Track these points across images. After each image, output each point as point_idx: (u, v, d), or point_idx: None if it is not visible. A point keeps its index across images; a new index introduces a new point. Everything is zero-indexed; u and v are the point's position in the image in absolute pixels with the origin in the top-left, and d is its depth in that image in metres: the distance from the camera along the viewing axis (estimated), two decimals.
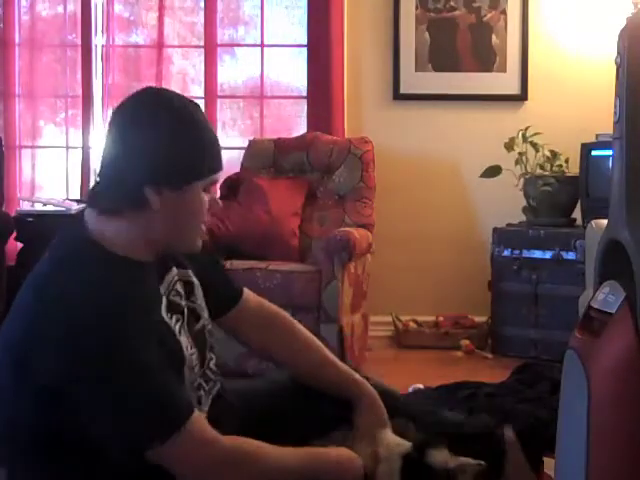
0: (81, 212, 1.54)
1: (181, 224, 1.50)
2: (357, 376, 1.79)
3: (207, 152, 1.49)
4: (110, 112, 4.47)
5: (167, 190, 1.44)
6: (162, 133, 1.44)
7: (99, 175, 1.51)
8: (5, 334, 1.44)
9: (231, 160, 4.31)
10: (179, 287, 1.59)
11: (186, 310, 1.59)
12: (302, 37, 4.63)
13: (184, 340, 1.54)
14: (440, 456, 1.65)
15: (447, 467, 1.63)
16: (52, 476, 1.46)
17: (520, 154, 4.14)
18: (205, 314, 1.66)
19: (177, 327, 1.53)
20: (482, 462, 1.66)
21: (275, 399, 1.77)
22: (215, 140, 1.52)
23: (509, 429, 2.11)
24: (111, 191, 1.47)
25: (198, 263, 1.66)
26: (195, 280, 1.65)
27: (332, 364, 1.78)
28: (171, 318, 1.52)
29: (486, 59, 4.59)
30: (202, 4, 4.66)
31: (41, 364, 1.36)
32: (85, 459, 1.43)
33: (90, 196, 1.53)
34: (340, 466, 1.58)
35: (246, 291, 1.79)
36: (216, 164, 1.52)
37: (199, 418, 1.43)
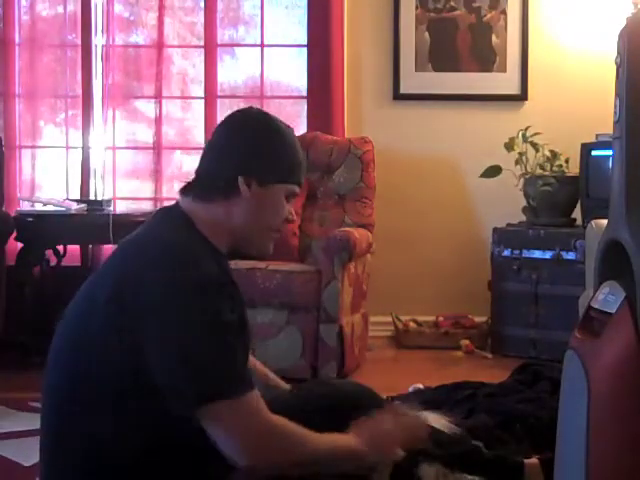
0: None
1: (261, 219, 1.66)
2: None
3: (296, 163, 1.69)
4: (110, 112, 4.56)
5: (255, 184, 1.63)
6: (262, 134, 1.66)
7: (196, 171, 1.68)
8: (100, 279, 1.57)
9: None
10: None
11: None
12: (302, 37, 4.63)
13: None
14: (430, 470, 1.65)
15: None
16: (112, 429, 1.50)
17: (520, 154, 4.14)
18: None
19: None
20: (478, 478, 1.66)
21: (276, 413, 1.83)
22: (303, 160, 1.72)
23: (533, 459, 2.09)
24: (207, 180, 1.65)
25: None
26: None
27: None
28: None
29: (486, 59, 4.59)
30: (202, 4, 4.66)
31: (132, 301, 1.48)
32: (147, 415, 1.49)
33: (185, 186, 1.68)
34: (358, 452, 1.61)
35: None
36: (300, 178, 1.71)
37: (258, 395, 1.50)
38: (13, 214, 4.06)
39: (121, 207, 4.58)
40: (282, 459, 1.51)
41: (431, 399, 2.90)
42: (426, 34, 4.60)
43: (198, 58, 4.72)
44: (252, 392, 1.48)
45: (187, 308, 1.46)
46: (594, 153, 4.01)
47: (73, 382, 1.54)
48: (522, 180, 4.16)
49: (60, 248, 4.28)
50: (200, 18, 4.69)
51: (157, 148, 4.60)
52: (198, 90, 4.69)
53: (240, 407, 1.46)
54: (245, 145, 1.65)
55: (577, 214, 4.19)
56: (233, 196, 1.63)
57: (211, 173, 1.65)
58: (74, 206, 4.07)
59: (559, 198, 4.12)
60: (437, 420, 1.84)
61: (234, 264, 3.64)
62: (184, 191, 1.67)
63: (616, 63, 1.56)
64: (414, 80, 4.61)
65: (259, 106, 4.68)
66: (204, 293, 1.48)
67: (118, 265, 1.58)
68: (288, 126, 1.72)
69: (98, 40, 4.65)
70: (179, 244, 1.55)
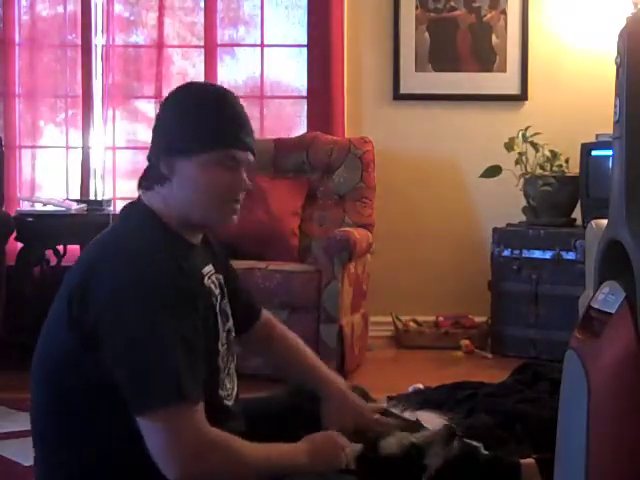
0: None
1: (202, 193, 1.57)
2: (331, 377, 1.93)
3: (221, 127, 1.57)
4: (110, 112, 4.56)
5: (179, 161, 1.56)
6: (176, 110, 1.59)
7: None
8: (67, 280, 1.55)
9: None
10: (214, 285, 1.66)
11: (218, 307, 1.66)
12: (302, 37, 4.63)
13: (221, 327, 1.64)
14: (392, 440, 1.65)
15: (407, 443, 1.63)
16: (86, 430, 1.50)
17: (520, 154, 4.14)
18: (231, 320, 1.73)
19: (217, 310, 1.64)
20: (452, 426, 1.67)
21: (272, 413, 1.84)
22: (233, 119, 1.60)
23: (530, 459, 2.08)
24: (147, 169, 1.63)
25: (225, 273, 1.76)
26: (225, 287, 1.73)
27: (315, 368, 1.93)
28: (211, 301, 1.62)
29: (486, 59, 4.59)
30: (202, 4, 4.66)
31: (92, 303, 1.46)
32: (118, 417, 1.47)
33: (139, 177, 1.66)
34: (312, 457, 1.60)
35: (264, 312, 1.95)
36: (231, 140, 1.58)
37: (200, 407, 1.46)
38: (13, 214, 4.06)
39: (121, 207, 4.57)
40: (216, 474, 1.47)
41: (431, 399, 2.89)
42: (426, 34, 4.60)
43: (198, 58, 4.72)
44: (191, 401, 1.43)
45: (136, 312, 1.43)
46: (594, 153, 4.01)
47: (51, 393, 1.54)
48: (522, 180, 4.16)
49: (60, 248, 4.28)
50: (200, 18, 4.69)
51: None
52: None
53: (175, 417, 1.41)
54: (164, 124, 1.60)
55: (577, 214, 4.19)
56: (165, 180, 1.58)
57: (148, 160, 1.63)
58: (74, 206, 4.07)
59: (559, 198, 4.12)
60: (431, 420, 1.83)
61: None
62: (138, 182, 1.64)
63: (616, 63, 1.56)
64: (414, 80, 4.61)
65: (259, 106, 4.70)
66: (154, 297, 1.44)
67: (75, 271, 1.55)
68: (222, 88, 1.66)
69: (98, 40, 4.65)
70: (131, 243, 1.52)
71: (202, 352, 1.50)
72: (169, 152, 1.57)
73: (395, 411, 2.04)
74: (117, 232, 1.61)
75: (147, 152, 1.64)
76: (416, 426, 1.88)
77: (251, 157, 1.63)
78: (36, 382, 1.58)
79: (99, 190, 4.64)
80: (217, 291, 1.67)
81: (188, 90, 1.64)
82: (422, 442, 1.68)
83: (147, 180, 1.62)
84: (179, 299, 1.47)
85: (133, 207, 1.65)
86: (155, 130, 1.62)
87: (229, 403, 1.66)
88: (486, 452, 2.15)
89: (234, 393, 1.70)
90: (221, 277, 1.72)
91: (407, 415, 2.15)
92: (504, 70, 4.59)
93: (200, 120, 1.57)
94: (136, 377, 1.43)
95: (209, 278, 1.64)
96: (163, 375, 1.42)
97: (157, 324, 1.43)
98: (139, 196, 1.65)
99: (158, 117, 1.63)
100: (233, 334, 1.74)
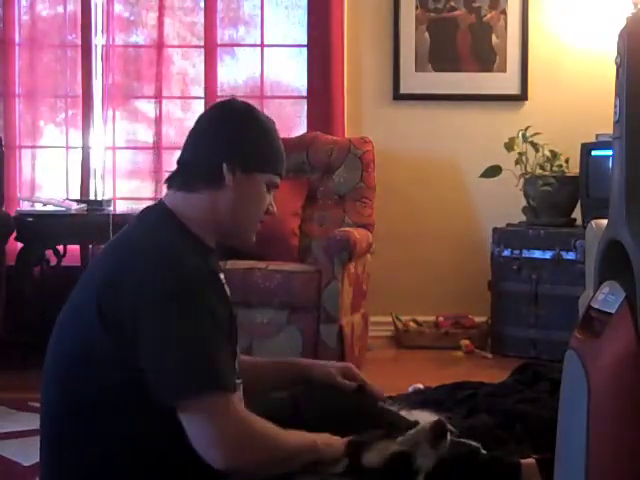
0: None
1: (246, 208, 1.66)
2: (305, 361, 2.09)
3: (278, 154, 1.70)
4: (110, 112, 4.56)
5: (239, 171, 1.62)
6: (245, 122, 1.66)
7: (178, 162, 1.68)
8: (88, 281, 1.57)
9: None
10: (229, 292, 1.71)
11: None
12: (302, 37, 4.63)
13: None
14: (373, 454, 1.64)
15: (388, 454, 1.63)
16: (112, 431, 1.51)
17: (520, 154, 4.14)
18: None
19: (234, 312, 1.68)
20: (442, 420, 1.67)
21: (275, 414, 1.83)
22: (284, 152, 1.73)
23: (530, 459, 2.08)
24: (190, 170, 1.64)
25: None
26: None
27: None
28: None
29: (486, 59, 4.59)
30: (202, 4, 4.66)
31: (126, 302, 1.48)
32: (144, 415, 1.49)
33: (168, 179, 1.68)
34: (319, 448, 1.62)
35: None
36: (281, 169, 1.72)
37: (238, 395, 1.54)
38: (13, 214, 4.06)
39: (121, 207, 4.58)
40: (259, 458, 1.51)
41: (431, 399, 2.89)
42: (426, 34, 4.60)
43: (198, 58, 4.72)
44: (230, 391, 1.50)
45: (170, 308, 1.47)
46: (594, 153, 4.01)
47: (68, 392, 1.54)
48: (522, 180, 4.16)
49: (60, 248, 4.28)
50: (200, 18, 4.69)
51: (157, 148, 4.60)
52: (198, 90, 4.69)
53: (217, 404, 1.46)
54: (228, 133, 1.65)
55: (577, 214, 4.19)
56: (217, 184, 1.62)
57: (194, 161, 1.65)
58: (74, 206, 4.07)
59: (559, 198, 4.12)
60: (428, 419, 1.83)
61: (231, 264, 3.65)
62: (168, 182, 1.67)
63: (616, 63, 1.56)
64: (414, 80, 4.61)
65: (259, 106, 4.70)
66: (187, 292, 1.49)
67: (101, 270, 1.58)
68: (270, 119, 1.74)
69: (98, 40, 4.65)
70: (161, 243, 1.55)
71: (231, 350, 1.57)
72: (233, 161, 1.62)
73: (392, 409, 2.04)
74: (140, 231, 1.62)
75: (184, 151, 1.67)
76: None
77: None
78: (49, 381, 1.59)
79: (99, 190, 4.64)
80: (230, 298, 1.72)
81: (245, 107, 1.69)
82: (408, 446, 1.66)
83: (190, 179, 1.63)
84: (212, 299, 1.52)
85: (153, 209, 1.69)
86: (209, 134, 1.65)
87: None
88: (485, 452, 2.15)
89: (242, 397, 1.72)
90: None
91: (403, 414, 2.15)
92: (504, 70, 4.59)
93: (267, 142, 1.68)
94: (179, 369, 1.45)
95: (225, 284, 1.69)
96: (204, 366, 1.46)
97: (196, 321, 1.47)
98: (161, 199, 1.68)
99: (211, 124, 1.67)
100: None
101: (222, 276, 1.69)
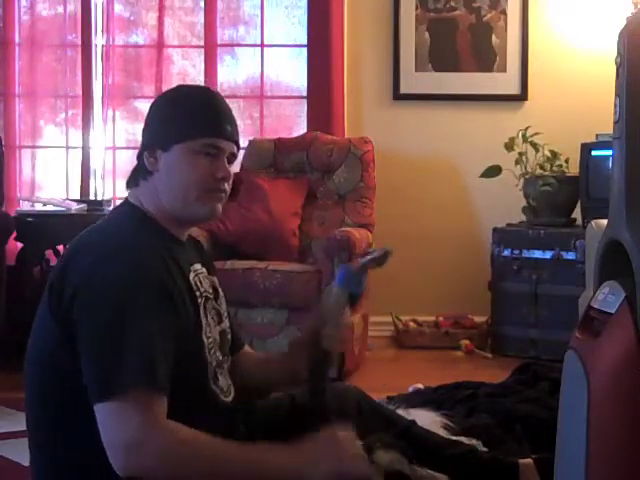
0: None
1: (178, 182, 1.60)
2: None
3: (201, 117, 1.60)
4: (110, 112, 4.56)
5: (160, 152, 1.60)
6: (160, 103, 1.66)
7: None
8: (51, 279, 1.55)
9: None
10: (206, 284, 1.66)
11: (210, 304, 1.66)
12: (302, 37, 4.63)
13: (204, 320, 1.60)
14: (386, 456, 1.64)
15: (395, 469, 1.62)
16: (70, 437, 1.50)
17: (520, 154, 4.14)
18: (227, 322, 1.73)
19: (200, 302, 1.61)
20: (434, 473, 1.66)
21: (276, 416, 1.84)
22: (212, 109, 1.62)
23: (528, 459, 2.08)
24: (132, 169, 1.67)
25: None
26: (221, 291, 1.73)
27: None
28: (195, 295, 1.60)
29: (486, 59, 4.59)
30: (202, 4, 4.66)
31: (67, 289, 1.47)
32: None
33: (128, 177, 1.69)
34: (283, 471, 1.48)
35: (246, 347, 1.91)
36: (209, 129, 1.60)
37: (164, 403, 1.41)
38: (13, 214, 4.06)
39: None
40: (175, 471, 1.38)
41: (431, 399, 2.90)
42: (426, 34, 4.60)
43: (198, 58, 4.72)
44: (163, 396, 1.40)
45: (108, 296, 1.43)
46: (594, 153, 4.01)
47: (37, 394, 1.59)
48: (522, 180, 4.16)
49: (60, 248, 4.28)
50: (200, 18, 4.69)
51: None
52: None
53: (145, 406, 1.37)
54: (146, 120, 1.66)
55: (577, 214, 4.19)
56: (148, 174, 1.62)
57: (137, 160, 1.67)
58: (74, 206, 4.07)
59: (559, 198, 4.12)
60: (427, 419, 1.83)
61: (231, 264, 3.64)
62: (127, 182, 1.69)
63: (616, 63, 1.56)
64: (414, 80, 4.61)
65: (259, 106, 4.70)
66: (128, 282, 1.44)
67: (59, 262, 1.58)
68: (201, 87, 1.75)
69: (98, 40, 4.65)
70: (114, 232, 1.57)
71: (172, 342, 1.46)
72: (151, 145, 1.61)
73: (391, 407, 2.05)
74: (98, 226, 1.65)
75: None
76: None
77: (233, 147, 1.65)
78: (25, 381, 1.62)
79: (99, 190, 4.65)
80: (210, 290, 1.67)
81: (173, 90, 1.70)
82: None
83: (133, 178, 1.66)
84: (153, 286, 1.47)
85: (118, 206, 1.71)
86: (143, 130, 1.67)
87: (226, 400, 1.64)
88: (484, 449, 2.16)
89: (232, 391, 1.68)
90: (215, 280, 1.73)
91: (401, 412, 2.16)
92: (504, 70, 4.59)
93: (179, 112, 1.61)
94: (105, 360, 1.40)
95: (196, 275, 1.64)
96: (133, 359, 1.39)
97: (129, 309, 1.42)
98: (126, 197, 1.69)
99: (146, 118, 1.68)
100: (229, 337, 1.73)
101: (197, 268, 1.65)
